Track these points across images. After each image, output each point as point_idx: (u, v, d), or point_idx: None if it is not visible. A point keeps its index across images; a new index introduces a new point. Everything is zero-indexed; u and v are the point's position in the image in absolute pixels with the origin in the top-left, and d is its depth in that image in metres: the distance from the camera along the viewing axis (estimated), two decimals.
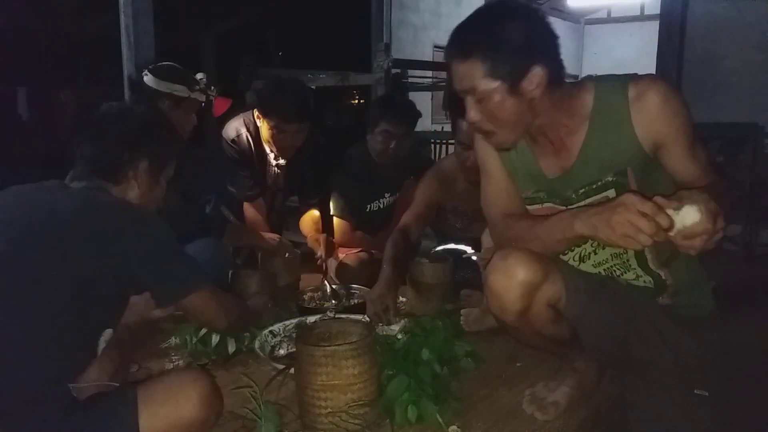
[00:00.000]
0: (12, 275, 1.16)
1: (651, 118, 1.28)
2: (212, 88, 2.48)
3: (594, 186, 1.37)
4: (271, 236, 2.60)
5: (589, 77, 1.41)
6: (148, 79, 2.30)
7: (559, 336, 1.46)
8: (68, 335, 1.18)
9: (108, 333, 1.29)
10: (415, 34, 9.94)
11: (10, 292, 1.15)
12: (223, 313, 1.51)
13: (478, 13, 1.33)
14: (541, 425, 1.50)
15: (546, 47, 1.29)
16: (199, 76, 2.43)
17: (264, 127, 2.54)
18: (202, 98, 2.41)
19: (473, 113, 1.30)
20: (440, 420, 1.43)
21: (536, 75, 1.25)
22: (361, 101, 9.23)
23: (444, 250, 2.49)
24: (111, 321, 1.33)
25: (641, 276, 1.43)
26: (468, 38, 1.29)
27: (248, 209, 2.72)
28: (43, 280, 1.16)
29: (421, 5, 10.10)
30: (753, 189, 4.46)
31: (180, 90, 2.32)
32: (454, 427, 1.44)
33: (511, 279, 1.33)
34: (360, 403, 1.38)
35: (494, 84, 1.26)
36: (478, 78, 1.26)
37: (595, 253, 1.44)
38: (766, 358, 2.03)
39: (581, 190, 1.38)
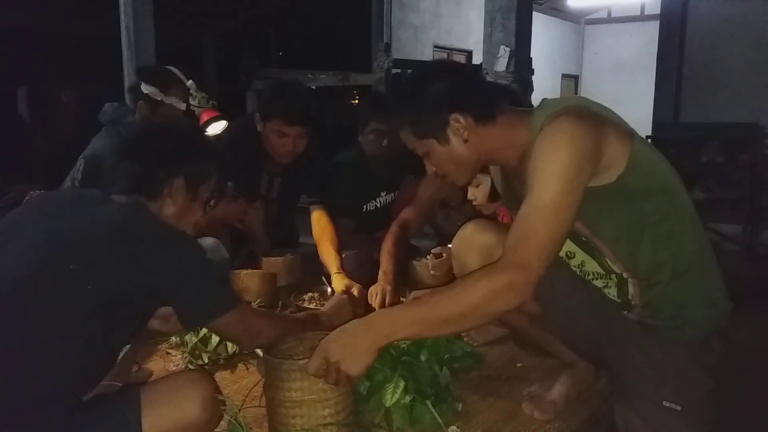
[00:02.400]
0: (48, 280, 1.17)
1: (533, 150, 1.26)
2: (198, 99, 2.34)
3: None
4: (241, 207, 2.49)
5: (543, 101, 1.37)
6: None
7: (530, 311, 1.46)
8: (88, 346, 1.18)
9: (124, 348, 1.29)
10: (415, 34, 9.93)
11: (40, 297, 1.15)
12: (251, 336, 1.44)
13: (401, 86, 1.47)
14: (541, 425, 1.51)
15: (461, 94, 1.35)
16: (188, 83, 2.33)
17: (265, 132, 2.48)
18: (180, 105, 2.30)
19: (428, 166, 1.44)
20: (440, 421, 1.43)
21: (457, 121, 1.34)
22: None
23: (444, 250, 2.50)
24: (132, 337, 1.33)
25: (610, 288, 1.41)
26: (392, 112, 1.45)
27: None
28: (76, 290, 1.16)
29: (421, 5, 10.08)
30: (753, 189, 4.47)
31: (153, 92, 2.27)
32: (453, 428, 1.44)
33: (470, 243, 1.56)
34: (335, 417, 1.30)
35: (426, 142, 1.38)
36: (413, 141, 1.41)
37: (583, 265, 1.43)
38: (766, 358, 2.04)
39: None
